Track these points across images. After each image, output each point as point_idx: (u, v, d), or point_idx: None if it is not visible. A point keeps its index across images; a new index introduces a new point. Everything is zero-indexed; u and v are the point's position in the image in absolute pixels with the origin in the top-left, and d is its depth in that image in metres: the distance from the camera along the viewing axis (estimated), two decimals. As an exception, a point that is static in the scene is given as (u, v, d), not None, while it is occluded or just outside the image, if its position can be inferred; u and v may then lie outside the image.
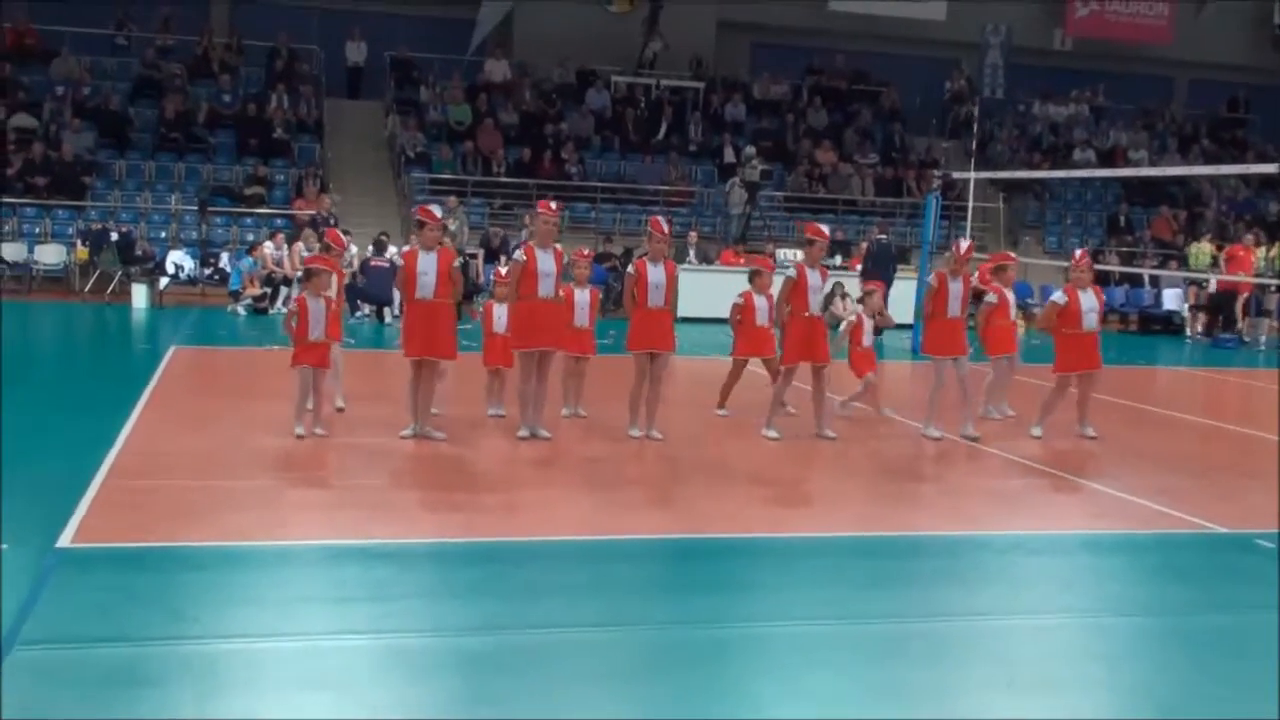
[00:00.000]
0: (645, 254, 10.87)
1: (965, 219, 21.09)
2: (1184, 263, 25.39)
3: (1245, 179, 30.75)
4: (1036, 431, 11.46)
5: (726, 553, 7.41)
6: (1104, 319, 11.70)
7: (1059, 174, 23.63)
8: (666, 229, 10.84)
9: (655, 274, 10.56)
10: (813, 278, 10.76)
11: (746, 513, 8.31)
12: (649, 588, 6.73)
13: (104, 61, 26.33)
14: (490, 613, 5.98)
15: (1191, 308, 23.35)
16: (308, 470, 9.06)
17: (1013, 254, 12.37)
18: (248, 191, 23.60)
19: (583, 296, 11.13)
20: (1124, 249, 26.90)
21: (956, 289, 11.26)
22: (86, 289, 20.55)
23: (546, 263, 10.20)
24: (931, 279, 11.59)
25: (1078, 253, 12.20)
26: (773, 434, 10.86)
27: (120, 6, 27.09)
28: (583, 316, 11.08)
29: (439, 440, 10.04)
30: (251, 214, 23.14)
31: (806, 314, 10.74)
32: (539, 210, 10.60)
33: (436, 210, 10.51)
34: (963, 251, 11.47)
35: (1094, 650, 5.94)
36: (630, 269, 10.77)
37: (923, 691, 5.28)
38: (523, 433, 10.28)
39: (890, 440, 11.21)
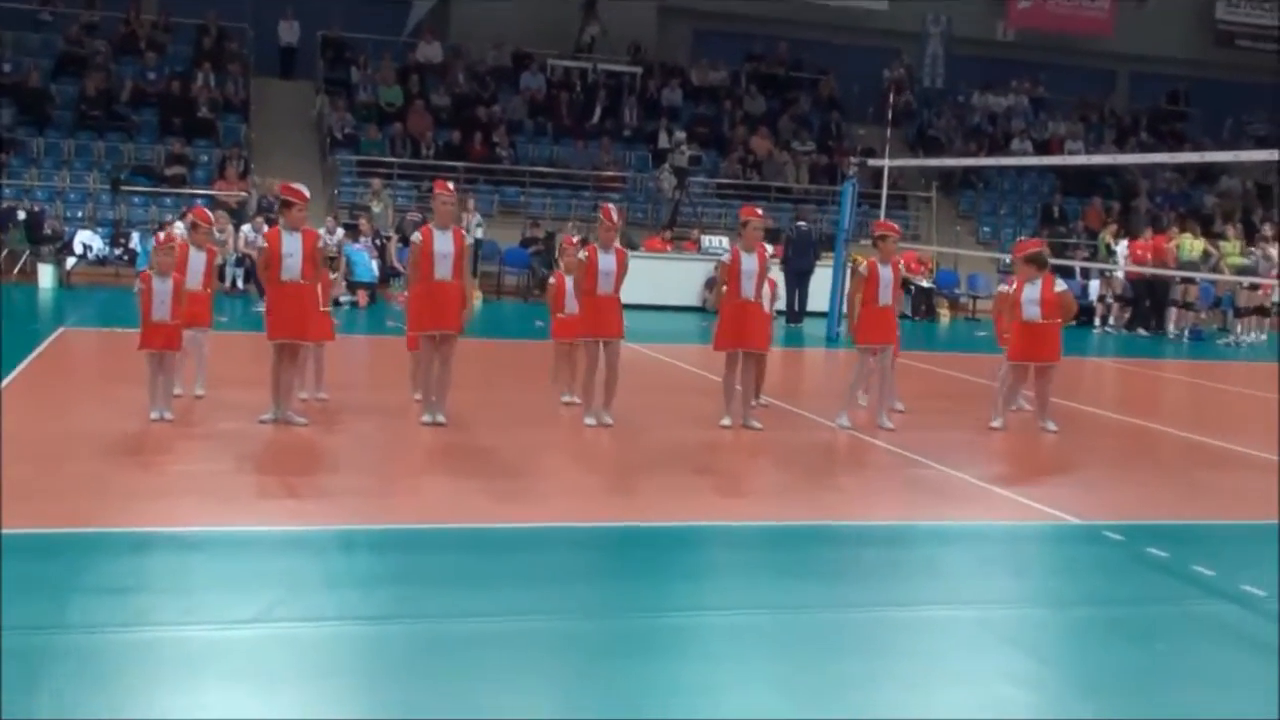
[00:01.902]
0: (586, 239, 10.78)
1: (879, 206, 20.97)
2: (1109, 254, 25.38)
3: (1181, 170, 30.86)
4: (997, 423, 11.33)
5: (649, 540, 7.30)
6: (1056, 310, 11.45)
7: (982, 161, 23.54)
8: (616, 216, 10.75)
9: (605, 261, 10.46)
10: (747, 261, 10.57)
11: (673, 502, 8.20)
12: (571, 576, 6.56)
13: (27, 37, 25.84)
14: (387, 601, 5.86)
15: (1101, 298, 23.26)
16: (145, 455, 8.80)
17: (896, 225, 12.15)
18: (168, 172, 23.22)
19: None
20: (1056, 239, 26.85)
21: (887, 276, 11.08)
22: (-5, 269, 20.20)
23: (444, 244, 10.02)
24: (862, 266, 11.41)
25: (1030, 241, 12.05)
26: (756, 424, 10.67)
27: (45, -19, 26.61)
28: (573, 304, 11.03)
29: (300, 425, 9.81)
30: (171, 194, 22.74)
31: (741, 298, 10.55)
32: (435, 191, 10.45)
33: (304, 188, 10.21)
34: (893, 230, 11.34)
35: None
36: (582, 255, 10.60)
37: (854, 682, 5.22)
38: (426, 418, 10.11)
39: (804, 430, 11.02)
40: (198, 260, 10.88)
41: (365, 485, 8.29)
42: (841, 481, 9.18)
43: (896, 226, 11.80)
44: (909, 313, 23.09)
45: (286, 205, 10.04)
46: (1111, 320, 23.00)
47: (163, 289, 9.82)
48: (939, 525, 8.01)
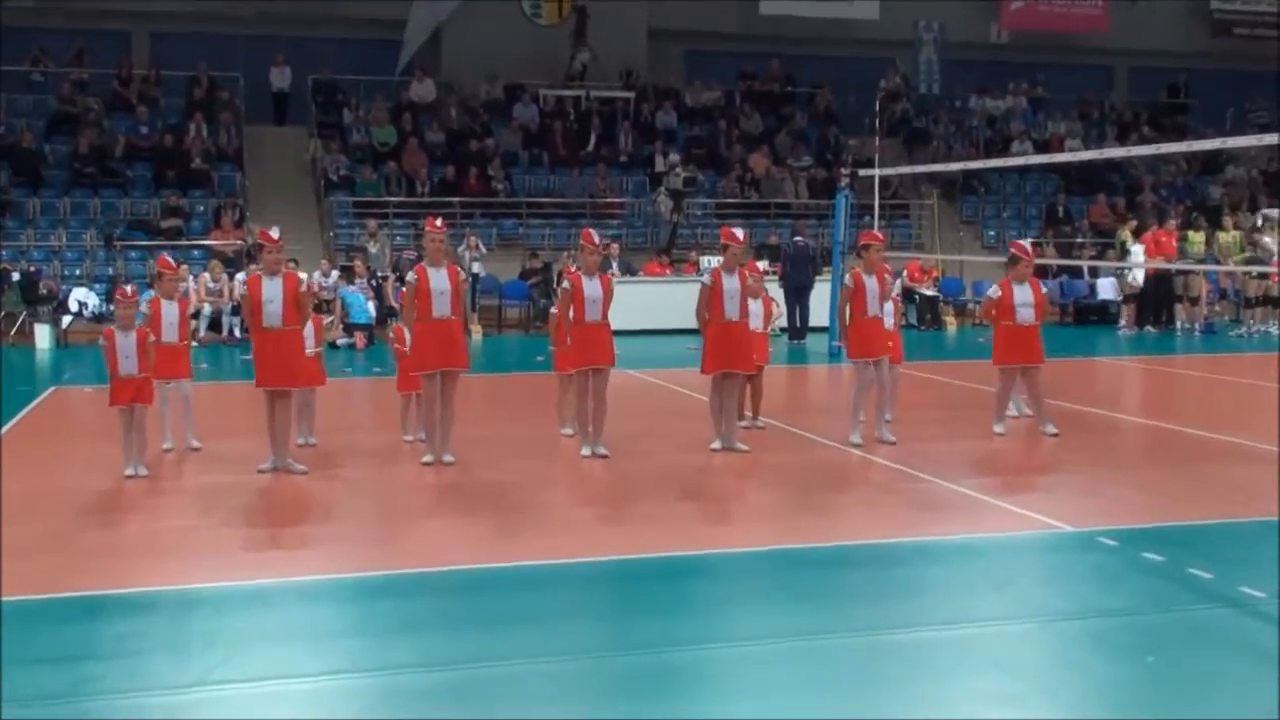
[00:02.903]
0: (578, 267, 10.57)
1: (870, 216, 20.66)
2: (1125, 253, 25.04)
3: (1188, 161, 30.55)
4: (999, 429, 11.17)
5: (663, 573, 7.12)
6: (1041, 312, 11.32)
7: (974, 164, 23.27)
8: (598, 240, 10.57)
9: (591, 288, 10.28)
10: (728, 282, 10.39)
11: (712, 529, 8.10)
12: (571, 615, 6.41)
13: (19, 99, 25.94)
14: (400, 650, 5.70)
15: (1127, 299, 22.88)
16: (110, 513, 8.62)
17: (879, 235, 11.94)
18: (164, 225, 23.17)
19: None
20: (1062, 240, 26.57)
21: (873, 286, 10.85)
22: (-7, 331, 20.15)
23: (440, 281, 9.89)
24: (847, 279, 11.22)
25: (1023, 245, 11.79)
26: (743, 447, 10.51)
27: (36, 42, 26.69)
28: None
29: (299, 473, 9.64)
30: (167, 246, 22.63)
31: (724, 320, 10.36)
32: (426, 229, 10.33)
33: (274, 232, 10.07)
34: (877, 240, 11.12)
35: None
36: (565, 284, 10.42)
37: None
38: (428, 459, 9.96)
39: (798, 450, 10.79)
40: (170, 312, 10.74)
41: (352, 532, 8.08)
42: (832, 501, 8.90)
43: (880, 236, 11.57)
44: (915, 322, 22.87)
45: (259, 249, 9.92)
46: (1124, 320, 22.58)
47: (126, 343, 9.66)
48: (929, 541, 7.75)
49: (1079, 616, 6.26)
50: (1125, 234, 23.09)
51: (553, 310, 11.91)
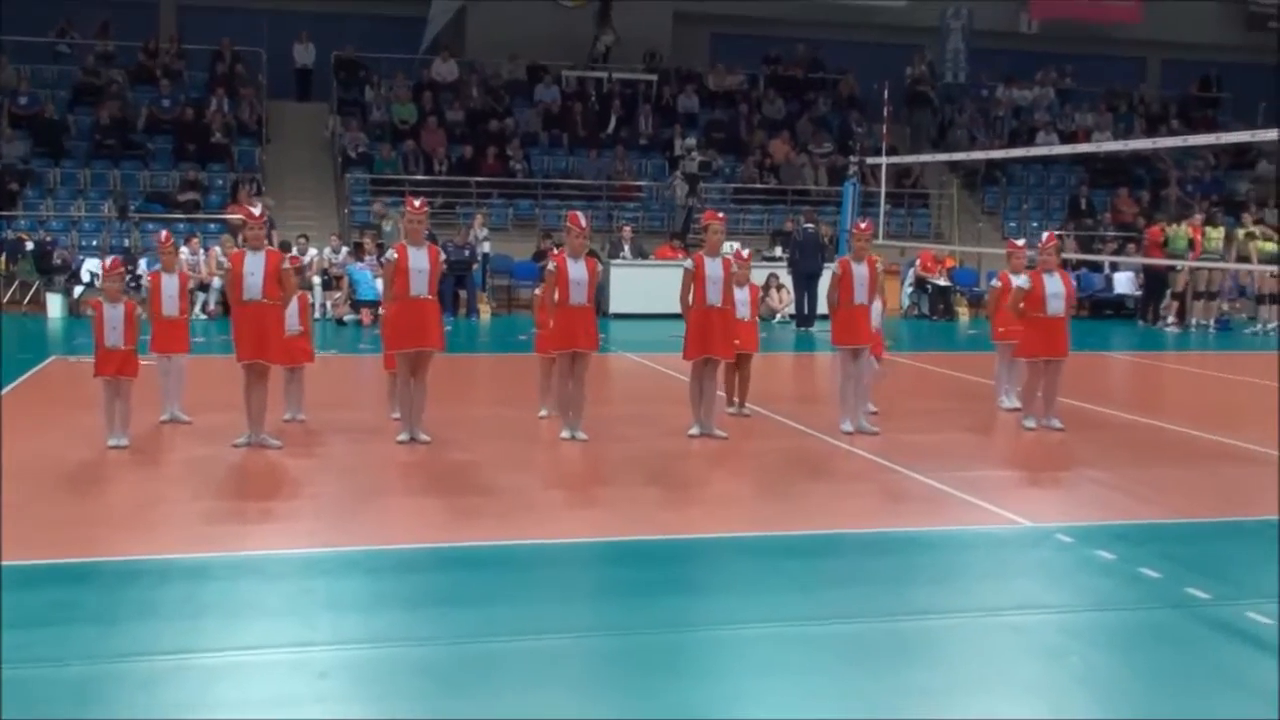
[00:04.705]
0: (564, 248, 10.56)
1: (901, 205, 20.59)
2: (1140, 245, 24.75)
3: (1216, 156, 30.17)
4: (1030, 424, 11.09)
5: (661, 556, 7.17)
6: (1074, 305, 11.24)
7: (989, 154, 23.00)
8: (585, 223, 10.56)
9: (576, 270, 10.24)
10: (711, 267, 10.40)
11: (672, 515, 8.09)
12: (591, 593, 6.51)
13: (44, 69, 26.15)
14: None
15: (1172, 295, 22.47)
16: (88, 483, 8.73)
17: (869, 223, 11.86)
18: (181, 198, 23.34)
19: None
20: (1083, 232, 26.32)
21: (862, 274, 10.77)
22: (5, 299, 20.35)
23: (419, 260, 9.93)
24: (836, 265, 11.18)
25: (1045, 235, 11.70)
26: (720, 434, 10.52)
27: (63, 13, 26.91)
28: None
29: (274, 448, 9.72)
30: (185, 219, 22.84)
31: (706, 305, 10.37)
32: (406, 209, 10.35)
33: (255, 208, 10.15)
34: (861, 229, 11.05)
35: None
36: (550, 266, 10.45)
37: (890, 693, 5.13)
38: (403, 437, 10.01)
39: (777, 438, 10.77)
40: (170, 285, 10.86)
41: (308, 509, 8.15)
42: (796, 490, 8.86)
43: (869, 224, 11.50)
44: (927, 312, 22.75)
45: (242, 225, 9.99)
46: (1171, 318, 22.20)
47: (114, 315, 9.78)
48: (881, 533, 7.74)
49: (1012, 611, 6.23)
50: (1184, 229, 22.37)
51: (536, 291, 11.92)
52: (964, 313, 22.74)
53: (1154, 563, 6.91)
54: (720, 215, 10.76)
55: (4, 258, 20.63)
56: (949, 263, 23.53)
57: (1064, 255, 22.96)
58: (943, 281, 22.76)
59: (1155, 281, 22.09)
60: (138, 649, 5.43)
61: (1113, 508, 8.53)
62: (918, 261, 22.85)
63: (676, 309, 10.85)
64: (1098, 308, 23.83)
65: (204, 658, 5.39)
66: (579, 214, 10.79)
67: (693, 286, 10.49)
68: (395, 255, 10.03)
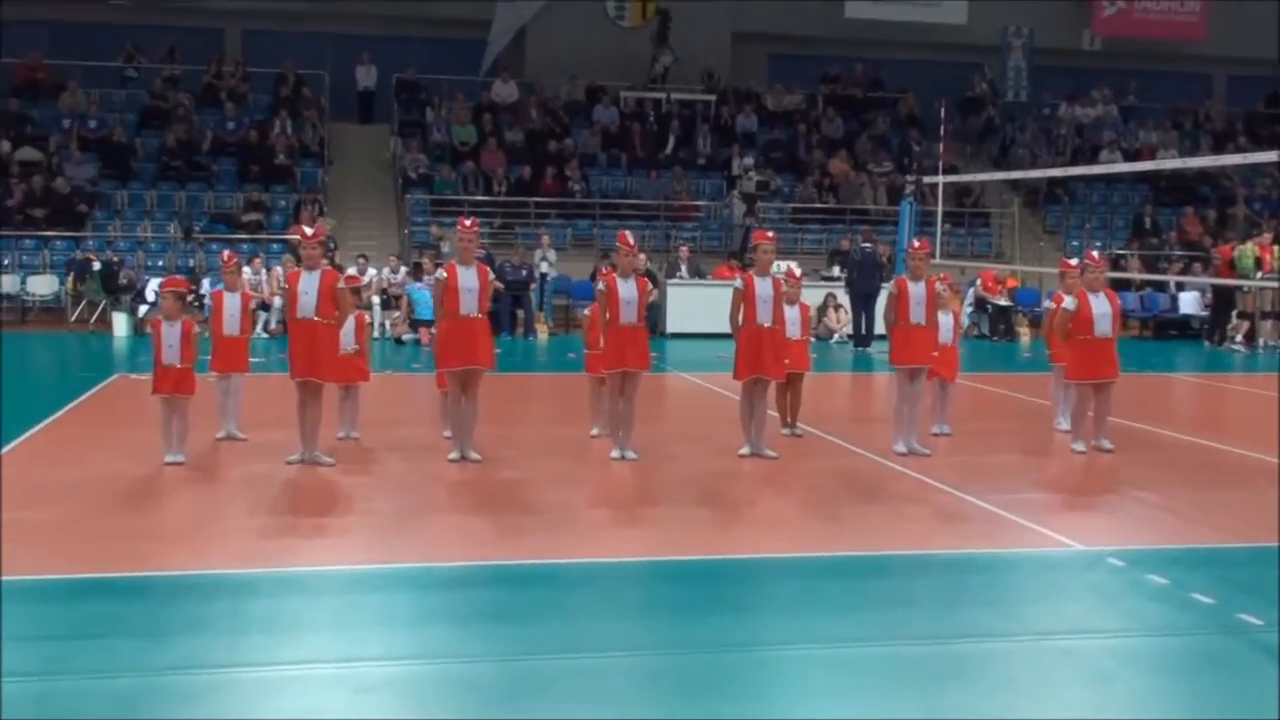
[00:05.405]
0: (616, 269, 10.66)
1: (961, 224, 20.42)
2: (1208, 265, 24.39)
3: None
4: (1079, 446, 10.91)
5: (708, 575, 7.15)
6: (1123, 324, 11.02)
7: (1047, 173, 22.78)
8: (634, 242, 10.61)
9: (627, 289, 10.30)
10: (762, 287, 10.39)
11: (719, 534, 8.08)
12: (637, 612, 6.53)
13: (113, 94, 26.73)
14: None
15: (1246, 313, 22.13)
16: (145, 498, 8.86)
17: (927, 242, 11.79)
18: (245, 218, 23.71)
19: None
20: (1148, 251, 25.98)
21: (918, 293, 10.71)
22: (73, 318, 20.76)
23: (468, 279, 10.00)
24: (892, 285, 11.12)
25: (1094, 254, 11.51)
26: (771, 453, 10.43)
27: (130, 39, 27.49)
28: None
29: (327, 465, 9.81)
30: (248, 239, 23.19)
31: (755, 324, 10.35)
32: (457, 229, 10.42)
33: (309, 229, 10.29)
34: (916, 248, 10.98)
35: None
36: (600, 285, 10.50)
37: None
38: (454, 455, 10.07)
39: (837, 459, 10.73)
40: (233, 304, 11.06)
41: (374, 525, 8.21)
42: (845, 511, 8.80)
43: (926, 243, 11.42)
44: (987, 333, 22.55)
45: (299, 245, 10.15)
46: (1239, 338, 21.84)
47: (171, 333, 9.94)
48: (929, 555, 7.66)
49: (1063, 635, 6.15)
50: (1251, 249, 22.05)
51: (586, 312, 11.95)
52: (1025, 333, 22.48)
53: (1207, 588, 6.78)
54: (770, 235, 10.74)
55: (72, 277, 21.09)
56: (1011, 283, 23.29)
57: (1128, 274, 22.99)
58: (1004, 302, 22.55)
59: (1223, 301, 21.74)
60: (185, 663, 5.50)
61: (1165, 531, 8.40)
62: (979, 281, 22.66)
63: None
64: (1162, 328, 23.49)
65: (250, 672, 5.45)
66: (628, 233, 10.82)
67: (743, 306, 10.47)
68: (445, 275, 10.10)
